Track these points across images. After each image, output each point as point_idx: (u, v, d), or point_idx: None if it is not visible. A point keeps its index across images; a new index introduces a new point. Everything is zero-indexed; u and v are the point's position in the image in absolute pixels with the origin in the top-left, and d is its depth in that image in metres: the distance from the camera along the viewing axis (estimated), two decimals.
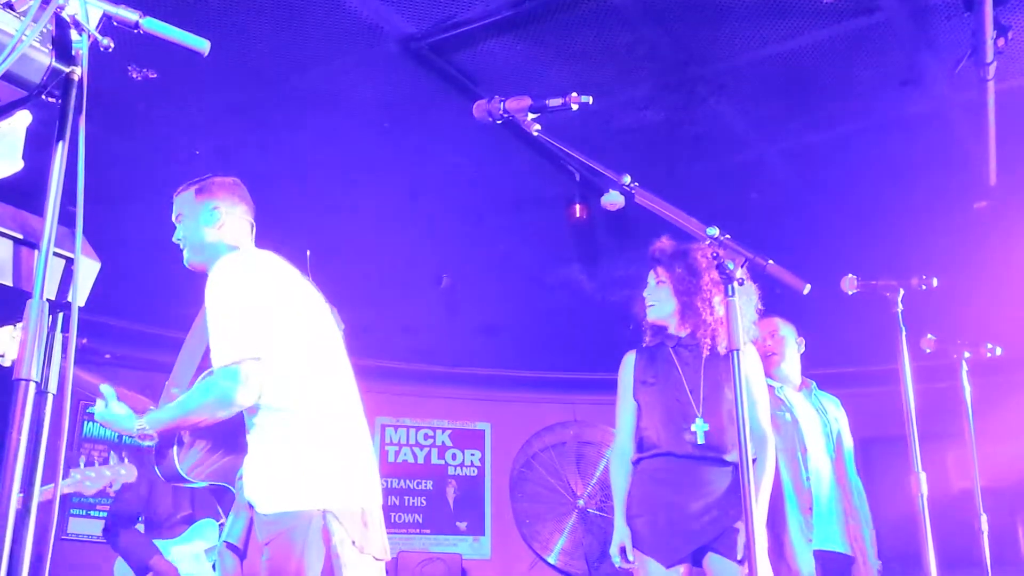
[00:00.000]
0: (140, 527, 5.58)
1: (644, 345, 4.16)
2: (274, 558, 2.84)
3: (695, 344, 3.97)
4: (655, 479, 3.89)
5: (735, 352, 2.40)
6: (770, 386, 4.42)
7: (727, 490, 3.78)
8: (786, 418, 4.61)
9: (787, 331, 4.92)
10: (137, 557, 5.31)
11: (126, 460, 5.26)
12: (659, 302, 4.05)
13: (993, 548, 4.26)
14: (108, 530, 5.54)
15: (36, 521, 1.59)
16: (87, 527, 7.41)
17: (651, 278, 4.11)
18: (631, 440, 4.04)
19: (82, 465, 5.05)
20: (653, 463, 3.92)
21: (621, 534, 3.85)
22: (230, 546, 3.08)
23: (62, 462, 1.76)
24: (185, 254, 3.31)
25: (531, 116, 2.61)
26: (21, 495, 1.54)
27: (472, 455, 9.32)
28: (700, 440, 3.83)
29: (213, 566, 5.26)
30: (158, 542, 5.32)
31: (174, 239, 3.30)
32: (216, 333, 2.95)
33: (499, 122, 2.69)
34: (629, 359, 4.14)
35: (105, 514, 6.29)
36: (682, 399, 3.91)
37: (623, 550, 3.81)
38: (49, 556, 1.69)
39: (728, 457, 3.83)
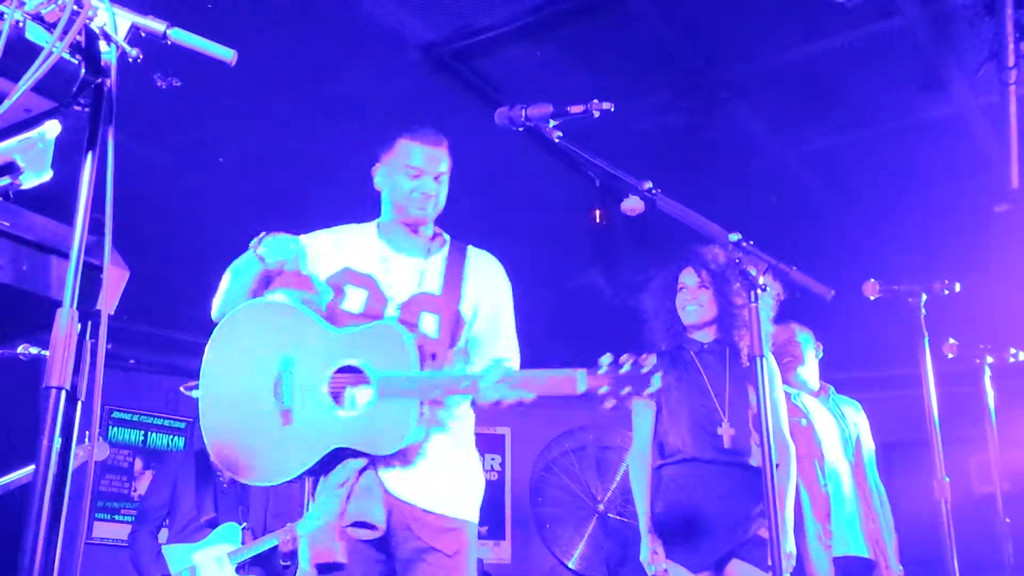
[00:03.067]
0: (164, 533, 5.63)
1: (661, 348, 4.15)
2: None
3: (719, 349, 3.97)
4: (681, 485, 3.88)
5: (759, 359, 2.40)
6: (786, 393, 4.42)
7: (752, 496, 3.78)
8: (801, 423, 4.61)
9: (803, 337, 4.91)
10: (143, 570, 5.39)
11: (100, 439, 5.31)
12: (702, 306, 4.04)
13: (1016, 553, 4.24)
14: (133, 536, 5.61)
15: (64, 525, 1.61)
16: (111, 531, 7.46)
17: (690, 279, 4.08)
18: (651, 444, 4.03)
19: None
20: (678, 469, 3.91)
21: (651, 541, 3.84)
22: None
23: (92, 465, 1.79)
24: (430, 211, 3.20)
25: (552, 123, 2.63)
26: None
27: (492, 459, 9.32)
28: (726, 445, 3.82)
29: (236, 569, 5.30)
30: (181, 546, 5.36)
31: (431, 192, 3.17)
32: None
33: (520, 129, 2.72)
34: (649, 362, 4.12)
35: (130, 519, 6.35)
36: (707, 404, 3.90)
37: (655, 556, 3.79)
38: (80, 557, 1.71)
39: (753, 462, 3.82)
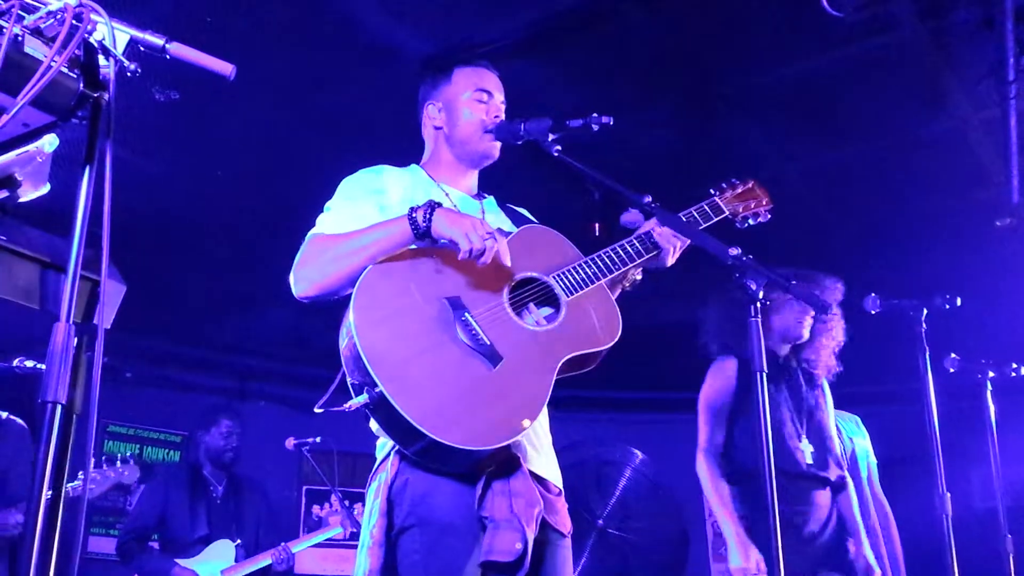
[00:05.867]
0: (154, 545, 5.58)
1: (741, 357, 4.17)
2: None
3: (793, 367, 4.07)
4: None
5: (760, 374, 2.39)
6: None
7: (831, 509, 3.92)
8: None
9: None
10: (154, 572, 5.32)
11: (131, 462, 5.28)
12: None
13: (1019, 569, 4.22)
14: (121, 547, 5.53)
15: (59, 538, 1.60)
16: (107, 546, 7.41)
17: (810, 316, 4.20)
18: (724, 446, 4.07)
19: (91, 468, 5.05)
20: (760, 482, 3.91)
21: (751, 551, 3.81)
22: None
23: (87, 480, 1.77)
24: (498, 145, 2.90)
25: (551, 136, 2.62)
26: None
27: None
28: (808, 461, 3.89)
29: None
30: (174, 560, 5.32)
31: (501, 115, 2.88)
32: None
33: (519, 143, 2.71)
34: (731, 366, 4.13)
35: None
36: (789, 419, 3.97)
37: (760, 564, 3.75)
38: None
39: (832, 476, 4.00)
